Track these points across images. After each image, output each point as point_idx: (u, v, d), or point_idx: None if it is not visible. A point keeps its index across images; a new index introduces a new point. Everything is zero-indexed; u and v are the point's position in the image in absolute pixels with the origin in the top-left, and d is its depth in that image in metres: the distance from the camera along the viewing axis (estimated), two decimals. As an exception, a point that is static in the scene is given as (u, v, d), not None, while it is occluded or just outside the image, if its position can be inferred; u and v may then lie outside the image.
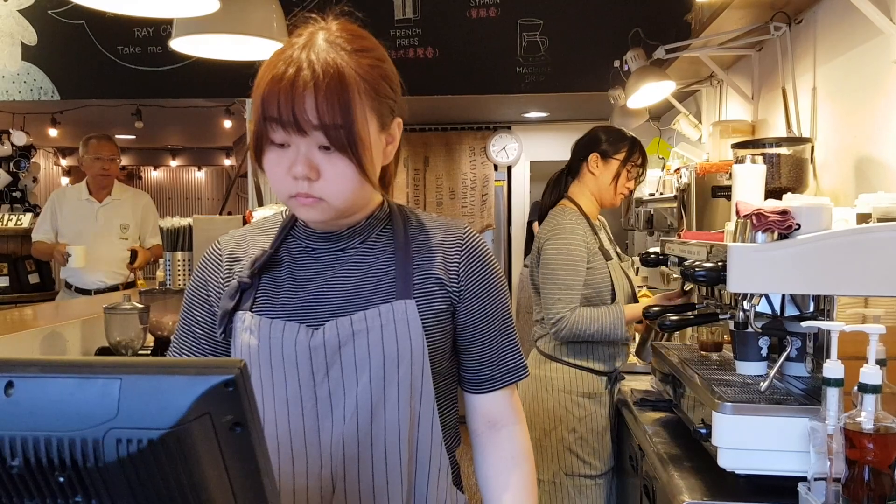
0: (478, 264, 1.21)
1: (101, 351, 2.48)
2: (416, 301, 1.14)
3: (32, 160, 6.59)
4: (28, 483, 0.63)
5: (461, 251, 1.20)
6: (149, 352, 2.49)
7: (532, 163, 6.45)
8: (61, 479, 0.62)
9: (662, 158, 4.14)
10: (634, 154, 2.66)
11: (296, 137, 1.06)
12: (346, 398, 1.11)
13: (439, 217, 1.26)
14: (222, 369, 0.64)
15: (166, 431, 0.61)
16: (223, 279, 1.21)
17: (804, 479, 1.39)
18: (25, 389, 0.63)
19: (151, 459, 0.61)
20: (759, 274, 1.48)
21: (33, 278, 5.92)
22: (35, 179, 6.69)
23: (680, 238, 2.11)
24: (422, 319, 1.13)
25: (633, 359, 2.80)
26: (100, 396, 0.62)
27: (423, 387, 1.14)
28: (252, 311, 1.15)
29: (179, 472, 0.62)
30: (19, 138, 6.38)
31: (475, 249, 1.22)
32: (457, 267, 1.19)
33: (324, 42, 1.07)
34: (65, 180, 10.14)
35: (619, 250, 2.71)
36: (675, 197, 3.12)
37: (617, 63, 4.25)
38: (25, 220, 5.93)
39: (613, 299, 2.53)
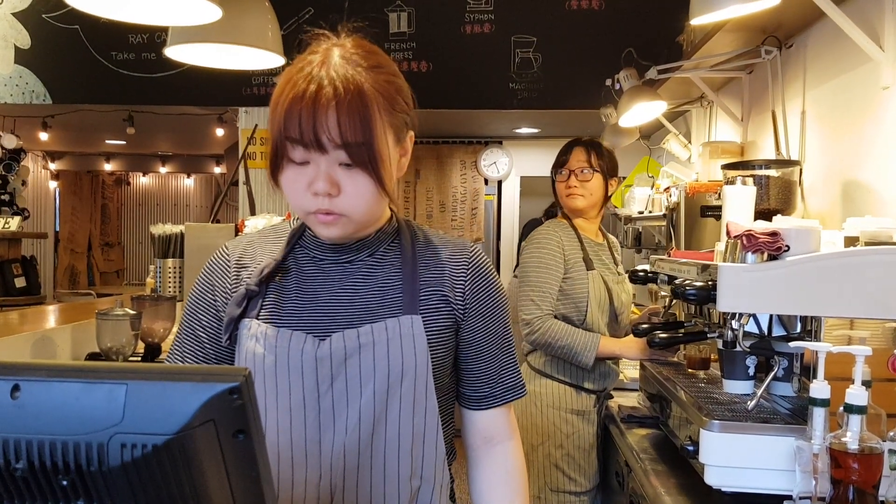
0: (483, 284, 1.23)
1: (92, 356, 2.47)
2: (422, 317, 1.15)
3: (22, 163, 6.56)
4: (31, 486, 0.63)
5: (467, 270, 1.22)
6: (139, 358, 2.48)
7: (522, 178, 6.49)
8: (65, 483, 0.62)
9: (652, 177, 4.17)
10: (559, 158, 2.68)
11: (316, 155, 1.06)
12: (348, 410, 1.11)
13: (445, 234, 1.28)
14: (227, 377, 0.64)
15: (171, 437, 0.61)
16: (231, 284, 1.21)
17: (790, 497, 1.40)
18: (31, 393, 0.64)
19: (155, 465, 0.62)
20: (748, 294, 1.50)
21: (20, 282, 5.87)
22: (24, 183, 6.65)
23: (670, 256, 2.13)
24: (427, 335, 1.14)
25: (621, 376, 2.81)
26: (105, 401, 0.62)
27: (427, 402, 1.14)
28: (258, 319, 1.15)
29: (182, 477, 0.63)
30: (9, 141, 6.34)
31: (481, 269, 1.23)
32: (463, 285, 1.21)
33: (340, 59, 1.08)
34: (53, 184, 10.10)
35: (621, 270, 2.70)
36: (664, 215, 3.14)
37: (609, 82, 4.29)
38: (14, 223, 5.89)
39: (588, 309, 2.52)
